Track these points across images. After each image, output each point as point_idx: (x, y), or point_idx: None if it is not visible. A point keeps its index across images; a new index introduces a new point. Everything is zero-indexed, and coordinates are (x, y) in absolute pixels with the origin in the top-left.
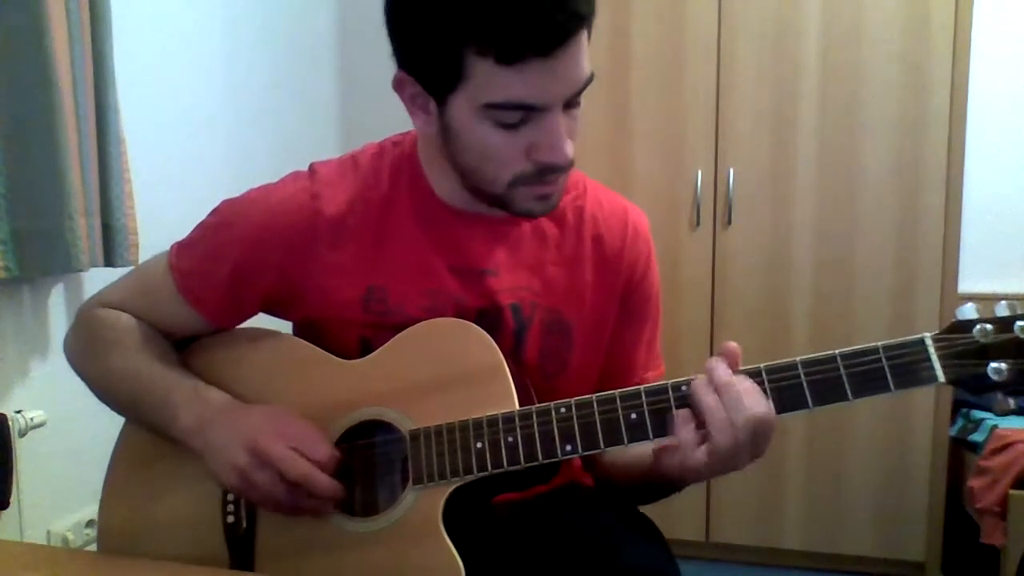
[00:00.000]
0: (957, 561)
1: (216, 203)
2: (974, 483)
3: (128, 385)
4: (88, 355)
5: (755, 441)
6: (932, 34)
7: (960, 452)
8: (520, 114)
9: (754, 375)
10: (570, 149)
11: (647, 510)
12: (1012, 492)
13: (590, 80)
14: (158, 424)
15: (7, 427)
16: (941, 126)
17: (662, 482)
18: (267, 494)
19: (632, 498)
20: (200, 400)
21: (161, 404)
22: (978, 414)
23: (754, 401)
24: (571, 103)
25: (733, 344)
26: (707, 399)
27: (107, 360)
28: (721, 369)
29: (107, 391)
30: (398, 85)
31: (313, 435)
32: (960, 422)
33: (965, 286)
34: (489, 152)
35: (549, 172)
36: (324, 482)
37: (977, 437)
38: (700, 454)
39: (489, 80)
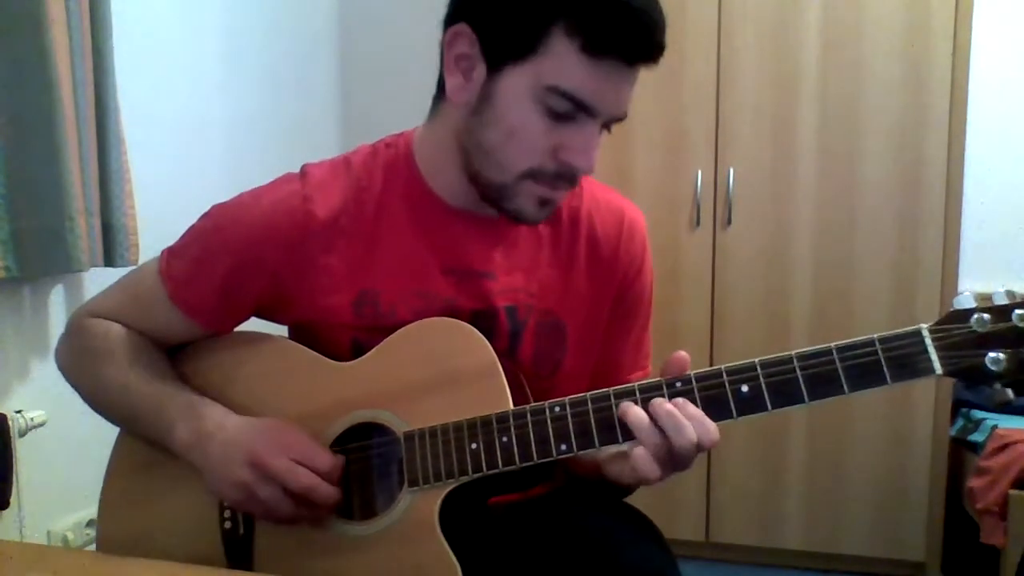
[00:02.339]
0: (957, 561)
1: (216, 203)
2: (974, 483)
3: (120, 399)
4: (79, 367)
5: (700, 451)
6: (932, 34)
7: (960, 452)
8: (573, 109)
9: (748, 370)
10: (594, 162)
11: (647, 511)
12: (1012, 492)
13: (624, 117)
14: (154, 438)
15: (7, 427)
16: (941, 126)
17: (614, 485)
18: (270, 507)
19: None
20: (196, 414)
21: (155, 418)
22: (978, 414)
23: (698, 425)
24: (608, 125)
25: (681, 354)
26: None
27: (98, 373)
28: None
29: (100, 403)
30: (451, 39)
31: (313, 446)
32: (960, 422)
33: (965, 286)
34: (521, 133)
35: (565, 177)
36: (327, 492)
37: (977, 437)
38: (649, 462)
39: (566, 63)
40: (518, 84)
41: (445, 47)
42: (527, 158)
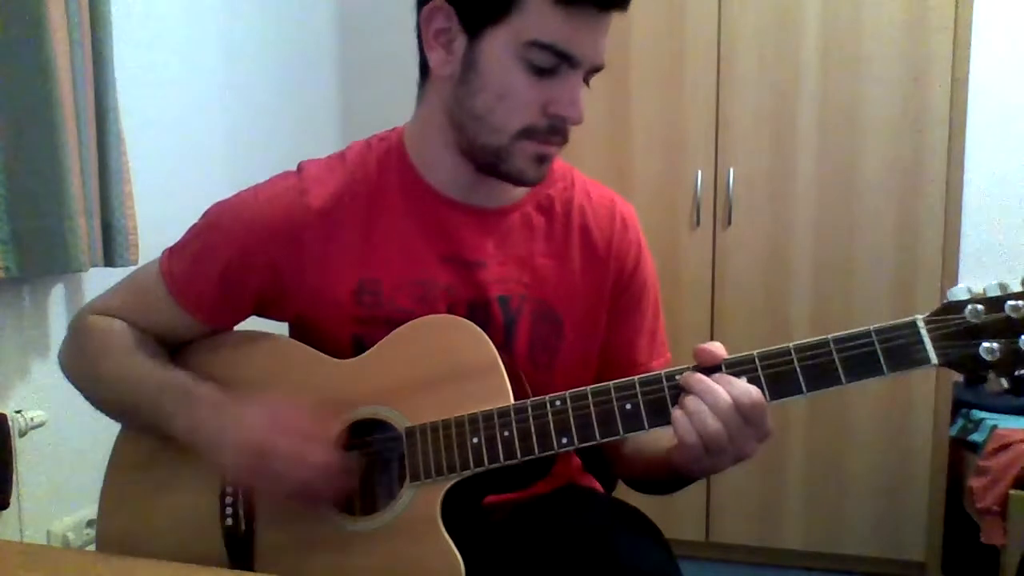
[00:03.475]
0: (957, 561)
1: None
2: (974, 483)
3: (120, 389)
4: (81, 363)
5: (749, 424)
6: (932, 34)
7: (960, 452)
8: (555, 61)
9: (747, 362)
10: (582, 112)
11: (647, 510)
12: (1012, 492)
13: (603, 67)
14: (153, 426)
15: (7, 427)
16: (941, 126)
17: (683, 476)
18: (273, 491)
19: (656, 490)
20: (192, 398)
21: (154, 405)
22: (978, 414)
23: (732, 387)
24: (587, 78)
25: (705, 347)
26: (684, 400)
27: (98, 366)
28: (692, 378)
29: (100, 398)
30: (428, 16)
31: (315, 430)
32: (960, 422)
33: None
34: (510, 93)
35: (557, 131)
36: (326, 483)
37: (977, 437)
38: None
39: (542, 17)
40: (499, 45)
41: (423, 26)
42: (519, 116)
